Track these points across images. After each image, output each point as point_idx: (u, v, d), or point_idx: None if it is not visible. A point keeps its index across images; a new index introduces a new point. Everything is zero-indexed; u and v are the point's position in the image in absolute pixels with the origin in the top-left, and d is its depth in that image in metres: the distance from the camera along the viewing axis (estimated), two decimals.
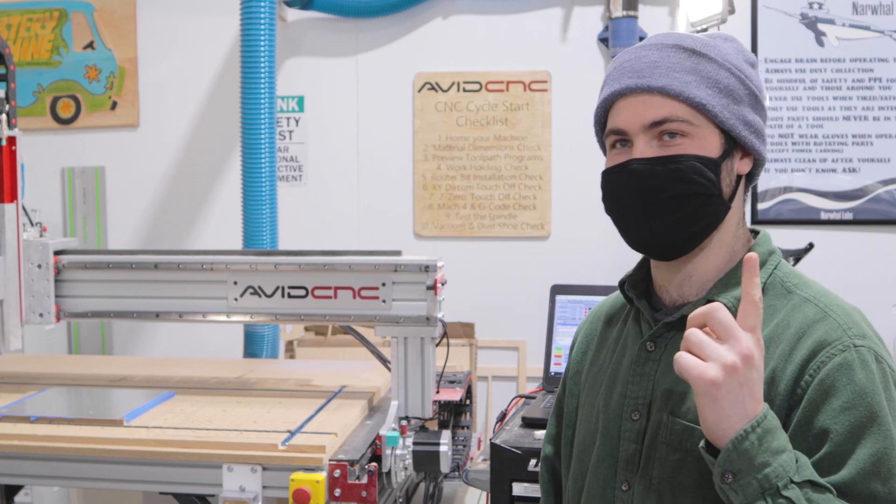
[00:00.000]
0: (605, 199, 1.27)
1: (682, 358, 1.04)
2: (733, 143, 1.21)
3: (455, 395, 2.59)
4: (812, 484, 1.03)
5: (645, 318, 1.29)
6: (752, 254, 1.06)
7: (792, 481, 1.01)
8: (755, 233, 1.30)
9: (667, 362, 1.23)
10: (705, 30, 3.43)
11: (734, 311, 1.12)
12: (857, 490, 1.05)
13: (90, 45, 4.05)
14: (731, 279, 1.22)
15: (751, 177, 1.27)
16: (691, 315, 1.06)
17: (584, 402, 1.39)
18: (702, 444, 1.07)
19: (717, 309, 1.04)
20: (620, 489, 1.25)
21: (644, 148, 1.19)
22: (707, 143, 1.18)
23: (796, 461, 1.04)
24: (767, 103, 3.66)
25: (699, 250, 1.23)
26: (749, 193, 1.32)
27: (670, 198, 1.18)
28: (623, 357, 1.31)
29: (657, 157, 1.18)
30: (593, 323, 1.46)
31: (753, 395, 1.03)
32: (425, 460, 2.23)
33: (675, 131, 1.18)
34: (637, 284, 1.33)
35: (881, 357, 1.13)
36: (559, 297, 2.62)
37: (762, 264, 1.23)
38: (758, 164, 1.26)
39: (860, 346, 1.12)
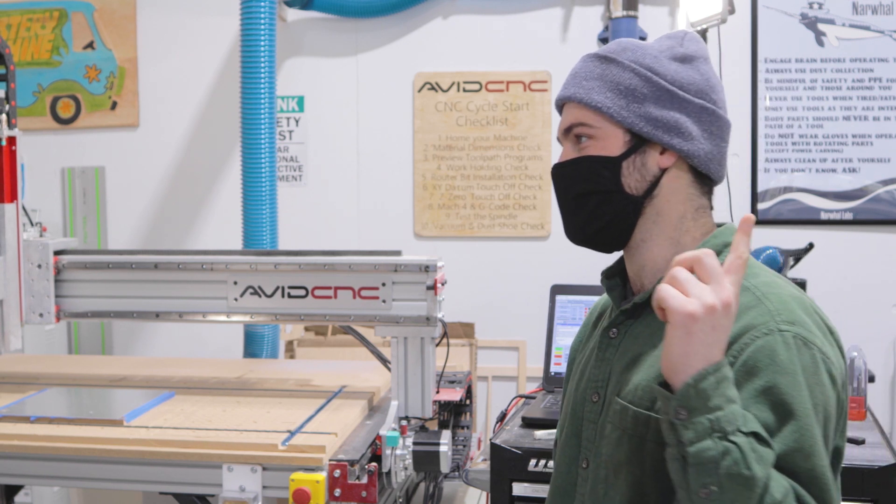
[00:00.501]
0: None
1: (664, 289, 1.06)
2: (642, 140, 1.26)
3: (455, 395, 2.59)
4: (757, 437, 1.05)
5: (613, 307, 1.37)
6: (749, 214, 1.10)
7: (740, 430, 1.04)
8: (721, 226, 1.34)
9: (623, 347, 1.30)
10: (706, 30, 3.43)
11: None
12: (782, 465, 1.07)
13: (90, 45, 4.05)
14: None
15: (701, 173, 1.28)
16: (679, 257, 1.09)
17: (568, 386, 1.48)
18: (659, 381, 1.11)
19: (707, 255, 1.07)
20: (581, 466, 1.33)
21: (566, 152, 1.32)
22: (609, 143, 1.27)
23: (749, 417, 1.07)
24: (767, 102, 3.67)
25: (640, 242, 1.30)
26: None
27: (574, 196, 1.31)
28: (594, 345, 1.39)
29: (562, 161, 1.31)
30: (590, 315, 1.53)
31: (720, 342, 1.06)
32: (425, 460, 2.23)
33: (581, 134, 1.29)
34: (613, 276, 1.39)
35: (810, 342, 1.14)
36: (559, 297, 2.62)
37: (716, 255, 1.25)
38: (691, 157, 1.26)
39: (785, 331, 1.13)
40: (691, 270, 1.07)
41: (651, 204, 1.28)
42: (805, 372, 1.11)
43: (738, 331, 1.14)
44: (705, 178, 1.30)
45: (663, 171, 1.27)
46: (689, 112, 1.26)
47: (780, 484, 1.05)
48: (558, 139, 1.35)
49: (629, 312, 1.31)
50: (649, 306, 1.25)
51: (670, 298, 1.05)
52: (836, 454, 1.21)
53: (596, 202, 1.28)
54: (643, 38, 3.61)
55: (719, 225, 1.33)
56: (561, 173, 1.32)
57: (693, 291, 1.05)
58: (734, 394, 1.06)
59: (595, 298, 1.56)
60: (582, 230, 1.32)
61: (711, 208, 1.33)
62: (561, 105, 1.34)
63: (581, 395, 1.36)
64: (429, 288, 2.27)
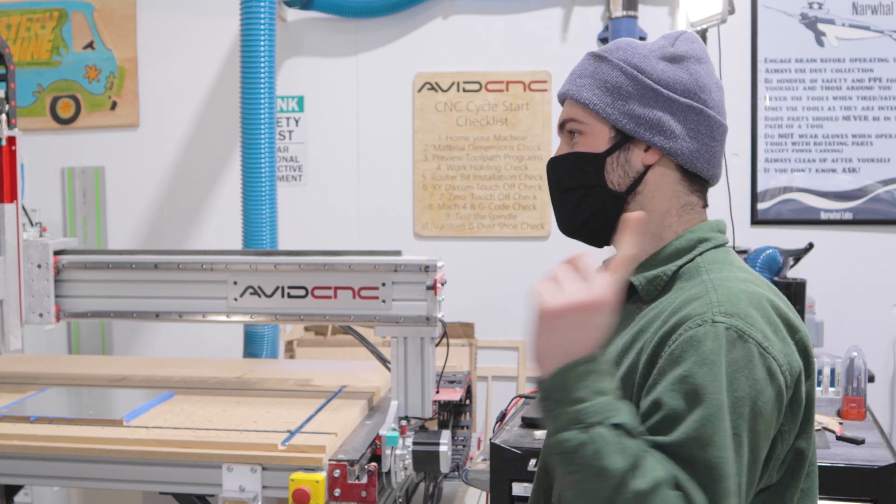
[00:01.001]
0: None
1: (536, 285, 1.11)
2: (626, 137, 1.29)
3: (455, 395, 2.59)
4: (626, 430, 1.06)
5: None
6: (636, 213, 1.14)
7: (603, 423, 1.05)
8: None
9: None
10: (706, 30, 3.43)
11: (642, 289, 1.27)
12: (680, 453, 1.07)
13: (90, 45, 4.05)
14: (652, 261, 1.29)
15: (689, 171, 1.29)
16: (567, 258, 1.14)
17: None
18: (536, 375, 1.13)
19: (584, 255, 1.12)
20: None
21: (560, 147, 1.36)
22: (595, 139, 1.31)
23: (619, 410, 1.08)
24: (767, 102, 3.67)
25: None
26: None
27: (562, 190, 1.35)
28: None
29: (555, 155, 1.36)
30: None
31: (590, 338, 1.08)
32: (425, 460, 2.23)
33: (573, 130, 1.33)
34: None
35: (746, 335, 1.12)
36: None
37: (688, 250, 1.27)
38: (674, 155, 1.27)
39: (719, 322, 1.12)
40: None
41: (635, 200, 1.30)
42: (732, 364, 1.10)
43: (677, 321, 1.15)
44: (695, 177, 1.30)
45: (647, 167, 1.29)
46: (674, 111, 1.27)
47: (653, 475, 1.04)
48: (559, 134, 1.39)
49: None
50: (625, 297, 1.27)
51: (539, 293, 1.09)
52: (798, 455, 1.20)
53: (580, 196, 1.32)
54: (643, 38, 3.61)
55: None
56: (552, 168, 1.36)
57: (565, 288, 1.08)
58: (606, 386, 1.08)
59: None
60: (567, 222, 1.36)
61: (705, 206, 1.33)
62: (562, 101, 1.37)
63: None
64: (429, 288, 2.27)
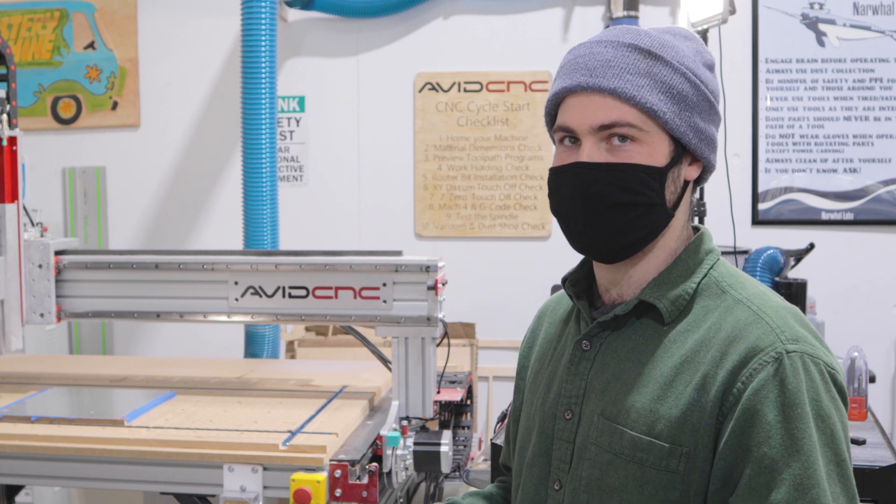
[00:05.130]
0: (550, 198, 1.24)
1: None
2: (682, 150, 1.18)
3: (456, 395, 2.59)
4: None
5: (583, 317, 1.28)
6: None
7: None
8: (696, 230, 1.28)
9: (600, 362, 1.22)
10: (706, 30, 3.43)
11: (665, 312, 1.17)
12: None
13: (91, 46, 4.05)
14: (665, 278, 1.20)
15: (698, 181, 1.25)
16: None
17: (526, 398, 1.39)
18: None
19: None
20: (553, 488, 1.24)
21: (591, 150, 1.16)
22: (655, 151, 1.16)
23: None
24: (768, 103, 3.67)
25: (642, 254, 1.21)
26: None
27: (612, 205, 1.16)
28: (563, 356, 1.30)
29: (602, 163, 1.15)
30: (539, 319, 1.47)
31: None
32: (426, 460, 2.23)
33: (625, 135, 1.15)
34: (578, 282, 1.31)
35: (816, 358, 1.10)
36: None
37: (698, 264, 1.21)
38: (706, 169, 1.23)
39: (792, 352, 1.09)
40: None
41: (675, 216, 1.21)
42: (813, 392, 1.08)
43: (745, 353, 1.10)
44: (695, 186, 1.26)
45: (687, 182, 1.21)
46: (716, 124, 1.22)
47: None
48: (570, 129, 1.18)
49: (605, 324, 1.22)
50: (630, 317, 1.21)
51: None
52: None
53: (638, 214, 1.16)
54: None
55: (694, 227, 1.28)
56: (594, 177, 1.16)
57: None
58: None
59: None
60: (613, 241, 1.18)
61: None
62: (568, 92, 1.18)
63: (550, 412, 1.27)
64: (429, 288, 2.27)
